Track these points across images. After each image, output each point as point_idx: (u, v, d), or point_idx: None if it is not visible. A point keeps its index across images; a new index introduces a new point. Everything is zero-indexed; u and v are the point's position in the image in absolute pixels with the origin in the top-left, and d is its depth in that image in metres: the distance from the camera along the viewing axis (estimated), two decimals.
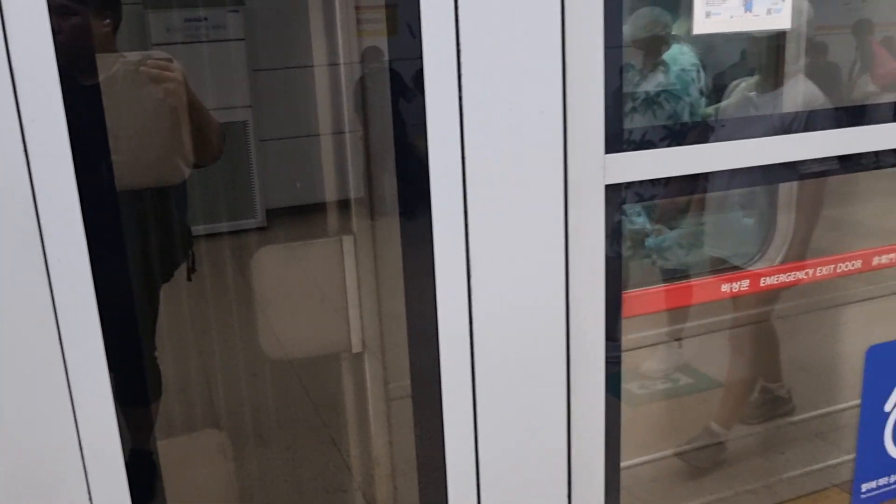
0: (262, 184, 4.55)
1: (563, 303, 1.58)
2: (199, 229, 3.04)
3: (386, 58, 2.41)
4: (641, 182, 1.60)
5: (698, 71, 3.39)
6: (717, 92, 3.37)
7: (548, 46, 1.46)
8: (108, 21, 1.85)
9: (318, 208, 4.08)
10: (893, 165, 1.98)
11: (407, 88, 1.47)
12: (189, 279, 2.37)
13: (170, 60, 1.83)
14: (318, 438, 3.02)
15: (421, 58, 1.38)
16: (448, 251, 1.47)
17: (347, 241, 2.16)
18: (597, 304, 1.62)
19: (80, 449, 1.33)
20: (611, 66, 1.52)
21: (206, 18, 4.11)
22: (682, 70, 3.35)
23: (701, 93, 3.43)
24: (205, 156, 2.07)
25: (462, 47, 1.40)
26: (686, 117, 3.31)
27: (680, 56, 3.31)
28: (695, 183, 1.66)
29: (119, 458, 1.36)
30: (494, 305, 1.53)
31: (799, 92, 2.85)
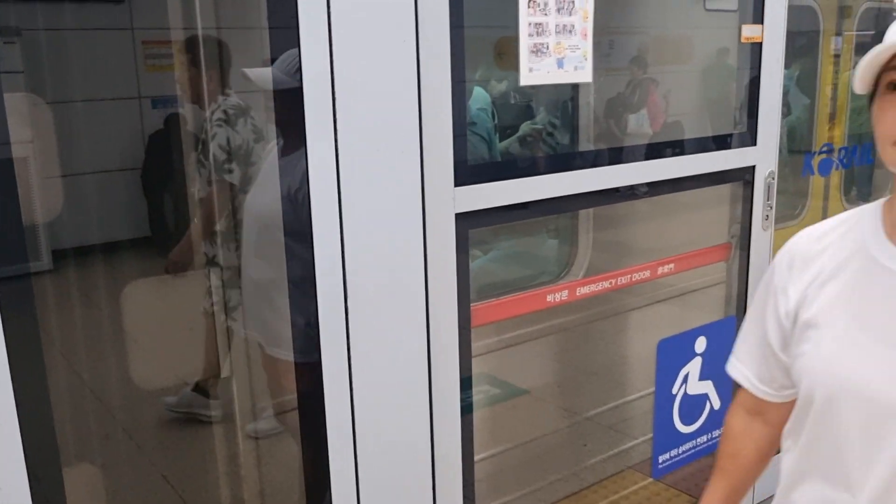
0: (48, 224, 4.35)
1: (423, 314, 1.80)
2: None
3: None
4: (486, 210, 1.87)
5: (493, 112, 3.81)
6: (510, 129, 3.81)
7: (407, 97, 1.69)
8: None
9: (108, 248, 4.00)
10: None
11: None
12: None
13: None
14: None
15: (303, 109, 1.57)
16: (328, 270, 1.65)
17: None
18: (451, 314, 1.86)
19: None
20: (458, 117, 1.79)
21: None
22: (480, 109, 3.74)
23: (495, 129, 3.86)
24: None
25: (336, 100, 1.60)
26: (485, 150, 3.70)
27: (479, 97, 3.70)
28: (529, 209, 1.96)
29: None
30: (369, 316, 1.72)
31: None
